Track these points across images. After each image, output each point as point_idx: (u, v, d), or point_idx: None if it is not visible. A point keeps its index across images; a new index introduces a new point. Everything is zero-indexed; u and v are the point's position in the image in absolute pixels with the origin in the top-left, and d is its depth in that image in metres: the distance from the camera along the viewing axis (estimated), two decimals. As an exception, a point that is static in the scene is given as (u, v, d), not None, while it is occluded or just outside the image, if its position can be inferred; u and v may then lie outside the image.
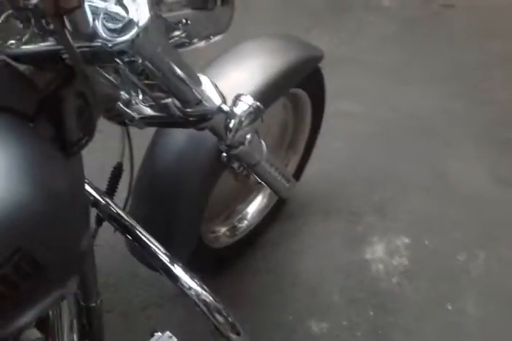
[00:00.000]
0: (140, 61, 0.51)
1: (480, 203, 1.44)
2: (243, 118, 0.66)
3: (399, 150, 1.59)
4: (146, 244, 0.69)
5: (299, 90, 1.09)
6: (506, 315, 1.20)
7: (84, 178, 0.65)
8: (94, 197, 0.75)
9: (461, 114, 1.69)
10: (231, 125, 0.66)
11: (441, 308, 1.23)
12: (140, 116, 0.64)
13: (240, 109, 0.66)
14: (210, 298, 0.67)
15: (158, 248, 0.68)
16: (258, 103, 0.67)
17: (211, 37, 0.64)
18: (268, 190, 1.24)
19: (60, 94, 0.52)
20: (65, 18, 0.44)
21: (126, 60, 0.50)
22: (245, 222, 1.23)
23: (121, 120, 0.66)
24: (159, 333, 0.81)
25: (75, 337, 0.69)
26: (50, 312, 0.66)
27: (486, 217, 1.41)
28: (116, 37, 0.47)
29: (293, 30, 1.88)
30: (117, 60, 0.50)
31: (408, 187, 1.50)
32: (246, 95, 0.67)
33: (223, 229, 1.19)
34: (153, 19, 0.48)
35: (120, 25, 0.48)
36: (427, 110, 1.71)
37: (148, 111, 0.65)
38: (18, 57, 0.49)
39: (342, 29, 2.01)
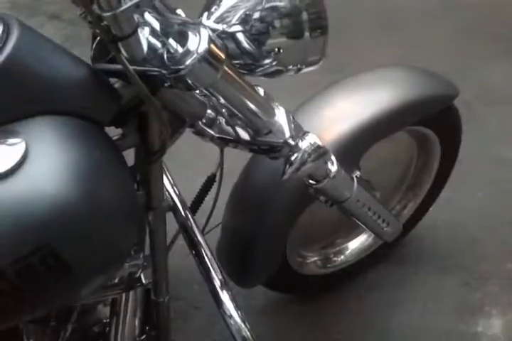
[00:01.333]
0: (200, 89, 0.52)
1: None
2: (307, 155, 0.64)
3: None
4: (206, 263, 0.71)
5: (426, 129, 0.98)
6: None
7: (161, 186, 0.67)
8: (175, 203, 0.80)
9: None
10: (292, 159, 0.64)
11: None
12: (219, 135, 0.66)
13: (305, 144, 0.64)
14: (248, 333, 0.67)
15: (215, 270, 0.70)
16: (320, 144, 0.65)
17: (303, 67, 0.62)
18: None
19: (141, 108, 0.56)
20: (120, 44, 0.46)
21: (186, 86, 0.51)
22: (341, 257, 1.16)
23: (204, 137, 0.68)
24: None
25: (137, 323, 0.73)
26: (122, 298, 0.71)
27: None
28: (173, 65, 0.49)
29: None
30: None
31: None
32: (312, 135, 0.65)
33: (315, 258, 1.13)
34: (211, 49, 0.49)
35: (179, 53, 0.49)
36: None
37: (230, 132, 0.66)
38: (109, 72, 0.53)
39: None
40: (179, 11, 0.69)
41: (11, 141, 0.45)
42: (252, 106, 0.58)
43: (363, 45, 1.81)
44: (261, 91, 0.62)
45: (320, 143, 0.65)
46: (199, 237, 0.73)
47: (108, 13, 0.44)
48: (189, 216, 0.80)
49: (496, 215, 1.35)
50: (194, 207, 0.89)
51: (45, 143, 0.46)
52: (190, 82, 0.50)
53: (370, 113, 0.84)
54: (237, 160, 0.85)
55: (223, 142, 0.66)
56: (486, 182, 1.41)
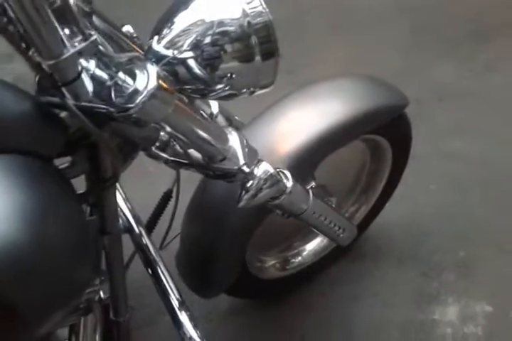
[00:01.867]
0: (151, 124, 0.52)
1: None
2: (262, 182, 0.64)
3: (508, 205, 1.40)
4: (163, 282, 0.71)
5: (378, 137, 1.01)
6: None
7: (115, 210, 0.67)
8: (130, 224, 0.81)
9: None
10: (248, 185, 0.64)
11: None
12: (173, 159, 0.65)
13: (261, 171, 0.64)
14: None
15: (172, 290, 0.70)
16: (277, 170, 0.65)
17: (256, 90, 0.62)
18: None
19: (90, 139, 0.55)
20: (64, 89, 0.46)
21: (135, 122, 0.50)
22: (299, 259, 1.18)
23: (158, 160, 0.67)
24: None
25: None
26: (82, 319, 0.72)
27: None
28: (121, 103, 0.48)
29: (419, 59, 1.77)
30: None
31: (505, 251, 1.31)
32: (265, 163, 0.65)
33: (273, 261, 1.15)
34: (160, 86, 0.48)
35: (128, 92, 0.49)
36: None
37: (183, 156, 0.65)
38: (55, 104, 0.51)
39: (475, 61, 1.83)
40: (127, 27, 0.69)
41: None
42: (204, 135, 0.58)
43: (317, 46, 1.83)
44: (215, 105, 0.63)
45: (272, 171, 0.65)
46: (155, 256, 0.73)
47: (50, 62, 0.43)
48: (144, 235, 0.80)
49: (447, 206, 1.41)
50: (150, 224, 0.89)
51: None
52: (140, 118, 0.49)
53: (325, 124, 0.85)
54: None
55: (178, 165, 0.66)
56: (437, 175, 1.46)
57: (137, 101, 0.48)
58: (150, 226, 0.86)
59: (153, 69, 0.50)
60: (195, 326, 0.67)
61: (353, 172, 1.14)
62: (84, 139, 0.55)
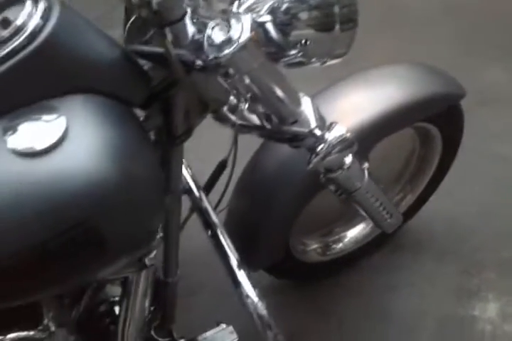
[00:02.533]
0: (236, 76, 0.53)
1: None
2: (332, 146, 0.65)
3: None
4: (221, 244, 0.73)
5: (430, 125, 1.00)
6: None
7: (180, 169, 0.69)
8: (190, 186, 0.82)
9: None
10: (318, 149, 0.65)
11: None
12: (241, 122, 0.67)
13: (332, 135, 0.65)
14: (265, 311, 0.69)
15: (231, 251, 0.72)
16: (349, 134, 0.66)
17: (328, 59, 0.63)
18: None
19: (170, 92, 0.56)
20: (167, 29, 0.48)
21: (223, 72, 0.52)
22: (340, 245, 1.19)
23: (225, 123, 0.69)
24: (224, 325, 0.86)
25: (147, 303, 0.74)
26: (134, 277, 0.72)
27: None
28: (215, 52, 0.50)
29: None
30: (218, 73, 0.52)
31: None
32: (341, 125, 0.65)
33: (315, 245, 1.17)
34: (252, 39, 0.50)
35: (221, 41, 0.50)
36: None
37: (251, 120, 0.67)
38: (142, 54, 0.54)
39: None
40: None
41: (51, 116, 0.45)
42: (282, 94, 0.59)
43: (367, 42, 1.83)
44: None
45: (348, 135, 0.65)
46: (214, 218, 0.74)
47: None
48: (203, 197, 0.80)
49: (491, 208, 1.39)
50: (207, 189, 0.89)
51: (83, 120, 0.46)
52: (228, 69, 0.51)
53: (382, 108, 0.86)
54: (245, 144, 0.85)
55: (244, 129, 0.67)
56: (483, 177, 1.44)
57: (229, 50, 0.50)
58: (207, 191, 0.88)
59: (247, 20, 0.51)
60: (253, 285, 0.69)
61: (401, 161, 1.13)
62: (163, 93, 0.56)
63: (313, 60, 0.61)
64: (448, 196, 1.30)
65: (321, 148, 0.65)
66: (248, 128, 0.68)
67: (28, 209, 0.44)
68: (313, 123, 0.64)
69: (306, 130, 0.64)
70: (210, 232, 0.74)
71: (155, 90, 0.56)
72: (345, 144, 0.66)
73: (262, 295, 0.69)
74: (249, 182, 0.94)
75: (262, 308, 0.68)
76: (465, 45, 1.82)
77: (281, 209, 0.92)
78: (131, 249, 0.53)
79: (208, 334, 0.85)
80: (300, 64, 0.61)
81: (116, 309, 0.81)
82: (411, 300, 1.23)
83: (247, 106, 0.67)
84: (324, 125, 0.65)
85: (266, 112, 0.64)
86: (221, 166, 0.85)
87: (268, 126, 0.65)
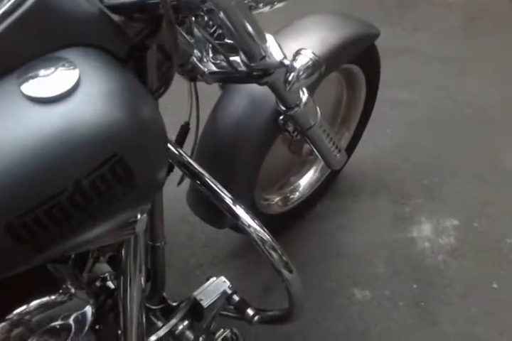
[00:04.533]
0: (216, 11, 0.55)
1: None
2: (301, 72, 0.68)
3: (452, 137, 1.58)
4: (212, 188, 0.73)
5: (354, 66, 1.11)
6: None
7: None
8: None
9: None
10: (290, 78, 0.68)
11: (486, 286, 1.21)
12: (210, 70, 0.70)
13: (300, 62, 0.68)
14: (267, 236, 0.72)
15: (222, 191, 0.73)
16: (317, 56, 0.69)
17: (275, 3, 0.67)
18: (320, 164, 1.28)
19: (146, 44, 0.56)
20: None
21: (206, 9, 0.54)
22: (297, 194, 1.26)
23: (193, 75, 0.70)
24: (214, 277, 0.87)
25: (142, 274, 0.73)
26: (123, 251, 0.70)
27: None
28: None
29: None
30: (200, 9, 0.54)
31: (459, 173, 1.47)
32: (306, 49, 0.69)
33: (276, 198, 1.22)
34: None
35: None
36: (482, 99, 1.69)
37: (217, 68, 0.69)
38: (114, 8, 0.53)
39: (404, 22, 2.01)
40: None
41: (62, 65, 0.46)
42: (252, 31, 0.62)
43: None
44: None
45: (316, 57, 0.69)
46: (196, 166, 0.75)
47: None
48: (179, 150, 0.81)
49: (405, 145, 1.55)
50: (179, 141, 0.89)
51: (92, 67, 0.47)
52: (210, 5, 0.53)
53: (319, 49, 0.91)
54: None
55: (214, 76, 0.70)
56: (390, 120, 1.61)
57: None
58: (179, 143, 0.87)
59: None
60: (253, 217, 0.72)
61: (333, 105, 1.23)
62: (139, 46, 0.57)
63: (261, 4, 0.66)
64: (367, 142, 1.42)
65: (293, 76, 0.69)
66: (218, 74, 0.70)
67: (56, 151, 0.44)
68: (280, 55, 0.67)
69: (276, 62, 0.67)
70: (198, 181, 0.74)
71: (133, 42, 0.56)
72: (315, 67, 0.70)
73: (261, 224, 0.71)
74: (211, 136, 0.95)
75: (264, 234, 0.71)
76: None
77: (247, 156, 0.94)
78: (152, 187, 0.53)
79: (201, 289, 0.85)
80: (250, 8, 0.65)
81: (110, 284, 0.79)
82: (358, 235, 1.34)
83: (211, 56, 0.70)
84: (289, 55, 0.69)
85: (232, 56, 0.67)
86: (184, 130, 0.85)
87: (238, 67, 0.68)
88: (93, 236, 0.51)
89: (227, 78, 0.73)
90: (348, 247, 1.32)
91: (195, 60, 0.69)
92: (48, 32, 0.48)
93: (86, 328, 0.60)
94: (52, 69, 0.46)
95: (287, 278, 0.74)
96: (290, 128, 0.91)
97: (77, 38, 0.49)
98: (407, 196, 1.44)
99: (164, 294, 0.89)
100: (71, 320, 0.57)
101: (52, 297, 0.55)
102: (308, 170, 1.28)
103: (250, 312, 0.84)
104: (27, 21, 0.46)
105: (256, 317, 0.84)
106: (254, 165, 0.98)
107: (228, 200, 0.72)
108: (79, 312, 0.58)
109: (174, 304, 0.87)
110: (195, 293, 0.84)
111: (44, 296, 0.55)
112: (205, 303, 0.82)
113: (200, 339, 0.84)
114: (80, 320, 0.58)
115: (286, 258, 0.73)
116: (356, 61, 1.09)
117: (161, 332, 0.81)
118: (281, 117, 0.89)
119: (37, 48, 0.47)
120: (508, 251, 1.27)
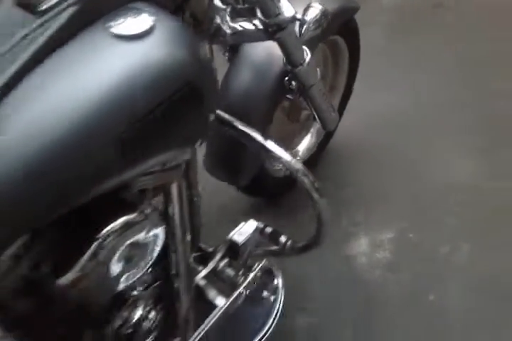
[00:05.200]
0: None
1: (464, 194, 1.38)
2: (311, 24, 0.80)
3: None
4: (242, 130, 0.84)
5: (338, 38, 1.25)
6: (488, 304, 1.17)
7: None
8: None
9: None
10: (303, 30, 0.80)
11: (423, 299, 1.19)
12: (231, 31, 0.79)
13: (310, 16, 0.80)
14: (299, 165, 0.82)
15: (252, 131, 0.84)
16: (326, 8, 0.81)
17: None
18: (315, 129, 1.40)
19: (184, 8, 0.68)
20: None
21: None
22: (298, 158, 1.38)
23: (215, 36, 0.80)
24: (243, 222, 0.95)
25: (186, 221, 0.79)
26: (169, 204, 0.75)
27: (476, 208, 1.35)
28: None
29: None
30: None
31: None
32: (316, 2, 0.81)
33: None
34: None
35: None
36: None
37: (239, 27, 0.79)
38: None
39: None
40: None
41: (138, 12, 0.57)
42: None
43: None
44: None
45: (326, 8, 0.82)
46: (222, 113, 0.85)
47: None
48: None
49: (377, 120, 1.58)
50: None
51: (160, 14, 0.58)
52: None
53: None
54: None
55: (236, 36, 0.79)
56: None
57: None
58: None
59: None
60: (283, 149, 0.82)
61: (320, 72, 1.36)
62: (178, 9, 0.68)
63: None
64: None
65: (305, 28, 0.80)
66: (239, 33, 0.80)
67: (147, 76, 0.55)
68: (292, 11, 0.79)
69: (289, 17, 0.78)
70: (229, 127, 0.84)
71: (177, 3, 0.67)
72: (323, 17, 0.82)
73: (293, 155, 0.82)
74: (224, 101, 1.05)
75: (296, 162, 0.82)
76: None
77: (257, 114, 1.06)
78: (214, 102, 0.66)
79: (234, 231, 0.92)
80: None
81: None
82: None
83: (229, 19, 0.80)
84: (302, 9, 0.80)
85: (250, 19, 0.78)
86: None
87: (257, 23, 0.79)
88: (165, 158, 0.62)
89: (246, 37, 0.83)
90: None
91: (218, 22, 0.79)
92: None
93: (159, 248, 0.69)
94: (132, 15, 0.57)
95: (318, 201, 0.84)
96: (293, 87, 1.01)
97: None
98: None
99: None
100: (149, 237, 0.66)
101: (131, 216, 0.64)
102: (305, 135, 1.41)
103: (283, 239, 0.94)
104: None
105: (289, 243, 0.93)
106: (264, 124, 1.09)
107: (259, 137, 0.83)
108: (153, 231, 0.67)
109: (211, 250, 0.96)
110: (230, 235, 0.92)
111: (125, 216, 0.64)
112: (240, 241, 0.91)
113: (240, 273, 0.93)
114: (155, 240, 0.68)
115: (317, 184, 0.84)
116: (340, 32, 1.23)
117: (204, 272, 0.91)
118: (287, 78, 1.01)
119: (118, 1, 0.58)
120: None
